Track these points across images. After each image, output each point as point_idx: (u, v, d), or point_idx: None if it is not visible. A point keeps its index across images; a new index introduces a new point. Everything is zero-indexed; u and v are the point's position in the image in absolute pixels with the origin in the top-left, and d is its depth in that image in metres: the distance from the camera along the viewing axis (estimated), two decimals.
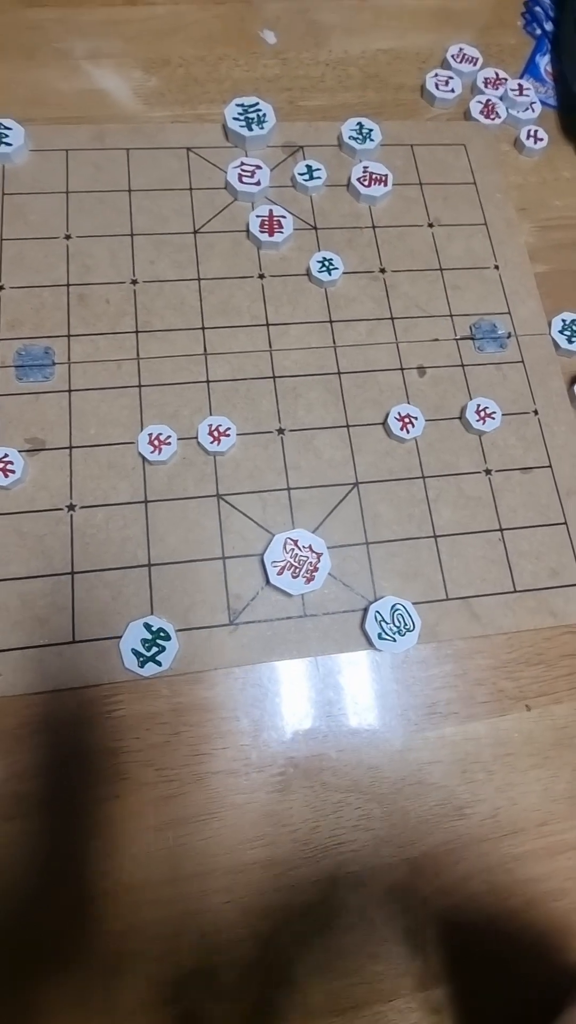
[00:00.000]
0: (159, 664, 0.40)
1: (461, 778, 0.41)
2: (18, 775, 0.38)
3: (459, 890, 0.39)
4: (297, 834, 0.39)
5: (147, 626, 0.40)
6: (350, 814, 0.39)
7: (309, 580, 0.40)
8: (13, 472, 0.41)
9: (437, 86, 0.58)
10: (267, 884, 0.38)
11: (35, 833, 0.37)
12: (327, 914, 0.37)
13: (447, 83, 0.59)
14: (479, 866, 0.39)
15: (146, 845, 0.38)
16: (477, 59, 0.60)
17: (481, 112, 0.58)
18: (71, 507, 0.42)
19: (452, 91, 0.58)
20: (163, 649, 0.40)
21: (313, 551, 0.41)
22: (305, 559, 0.41)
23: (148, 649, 0.40)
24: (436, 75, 0.59)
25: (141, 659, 0.39)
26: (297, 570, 0.40)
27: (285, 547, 0.41)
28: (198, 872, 0.37)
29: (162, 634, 0.40)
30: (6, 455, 0.42)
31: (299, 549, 0.41)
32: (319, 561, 0.41)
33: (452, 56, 0.60)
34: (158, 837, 0.38)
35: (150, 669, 0.40)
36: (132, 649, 0.40)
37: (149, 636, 0.40)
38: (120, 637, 0.40)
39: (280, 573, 0.40)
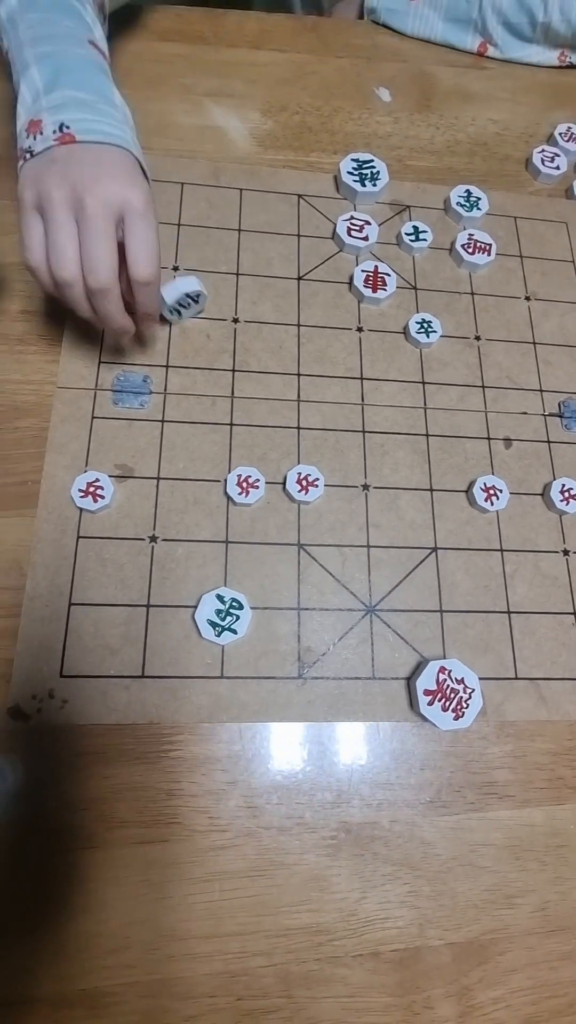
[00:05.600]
0: (235, 632, 0.40)
1: (513, 865, 0.40)
2: (69, 806, 0.37)
3: (503, 983, 0.38)
4: (343, 903, 0.38)
5: (219, 597, 0.40)
6: (398, 889, 0.38)
7: (458, 716, 0.40)
8: (102, 497, 0.41)
9: (543, 161, 0.59)
10: (308, 952, 0.37)
11: (76, 868, 0.36)
12: (366, 992, 0.36)
13: (553, 160, 0.60)
14: (525, 960, 0.38)
15: (190, 896, 0.37)
16: None
17: None
18: (153, 538, 0.42)
19: (557, 168, 0.59)
20: (237, 618, 0.40)
21: (466, 686, 0.40)
22: (456, 692, 0.40)
23: (223, 619, 0.40)
24: (543, 151, 0.60)
25: (217, 628, 0.40)
26: (448, 703, 0.40)
27: (437, 677, 0.40)
28: (240, 931, 0.37)
29: (235, 604, 0.40)
30: (97, 480, 0.42)
31: (451, 681, 0.40)
32: (470, 698, 0.40)
33: (560, 134, 0.61)
34: (203, 889, 0.37)
35: (226, 638, 0.40)
36: (207, 620, 0.40)
37: (222, 606, 0.40)
38: (190, 678, 0.40)
39: (431, 704, 0.40)
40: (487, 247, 0.53)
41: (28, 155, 0.37)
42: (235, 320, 0.48)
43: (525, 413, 0.49)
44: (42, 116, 0.37)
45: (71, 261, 0.35)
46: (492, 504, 0.45)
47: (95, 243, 0.35)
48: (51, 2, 0.41)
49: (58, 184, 0.35)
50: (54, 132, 0.36)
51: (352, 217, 0.52)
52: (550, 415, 0.50)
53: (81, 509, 0.42)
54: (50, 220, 0.35)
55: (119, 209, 0.35)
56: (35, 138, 0.37)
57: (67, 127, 0.36)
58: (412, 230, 0.52)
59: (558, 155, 0.60)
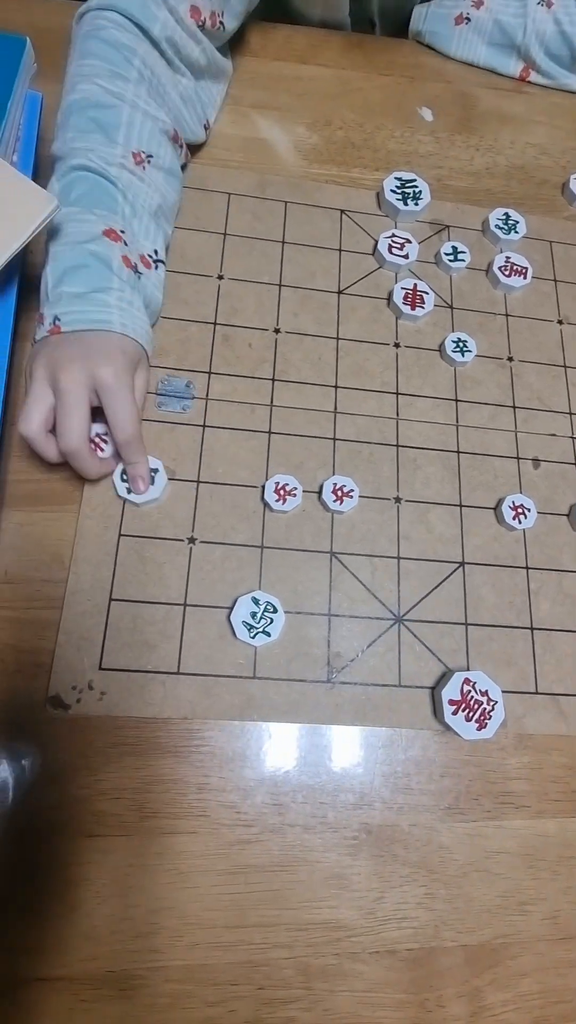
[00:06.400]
0: (269, 635, 0.41)
1: (526, 873, 0.41)
2: (102, 794, 0.39)
3: (512, 986, 0.39)
4: (362, 901, 0.39)
5: (255, 600, 0.42)
6: (415, 891, 0.40)
7: (481, 727, 0.41)
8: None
9: None
10: (327, 947, 0.38)
11: (109, 854, 0.38)
12: (381, 987, 0.38)
13: None
14: (534, 965, 0.39)
15: (215, 887, 0.38)
16: None
17: None
18: (191, 540, 0.43)
19: None
20: (271, 621, 0.41)
21: (489, 698, 0.41)
22: (480, 704, 0.41)
23: (258, 621, 0.41)
24: None
25: (252, 630, 0.41)
26: (472, 713, 0.41)
27: (462, 688, 0.41)
28: (263, 923, 0.38)
29: (270, 607, 0.42)
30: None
31: (475, 692, 0.41)
32: (493, 709, 0.41)
33: None
34: (229, 881, 0.38)
35: (260, 640, 0.41)
36: (243, 621, 0.41)
37: (258, 609, 0.42)
38: (217, 676, 0.41)
39: (455, 713, 0.41)
40: (523, 270, 0.54)
41: (34, 341, 0.44)
42: (276, 330, 0.50)
43: (554, 435, 0.51)
44: (44, 310, 0.43)
45: (35, 423, 0.41)
46: (520, 522, 0.46)
47: (65, 414, 0.41)
48: (85, 189, 0.44)
49: (42, 365, 0.42)
50: (49, 324, 0.42)
51: (394, 235, 0.53)
52: None
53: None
54: (30, 392, 0.42)
55: (91, 385, 0.41)
56: (39, 328, 0.43)
57: (58, 320, 0.42)
58: (451, 250, 0.54)
59: None
